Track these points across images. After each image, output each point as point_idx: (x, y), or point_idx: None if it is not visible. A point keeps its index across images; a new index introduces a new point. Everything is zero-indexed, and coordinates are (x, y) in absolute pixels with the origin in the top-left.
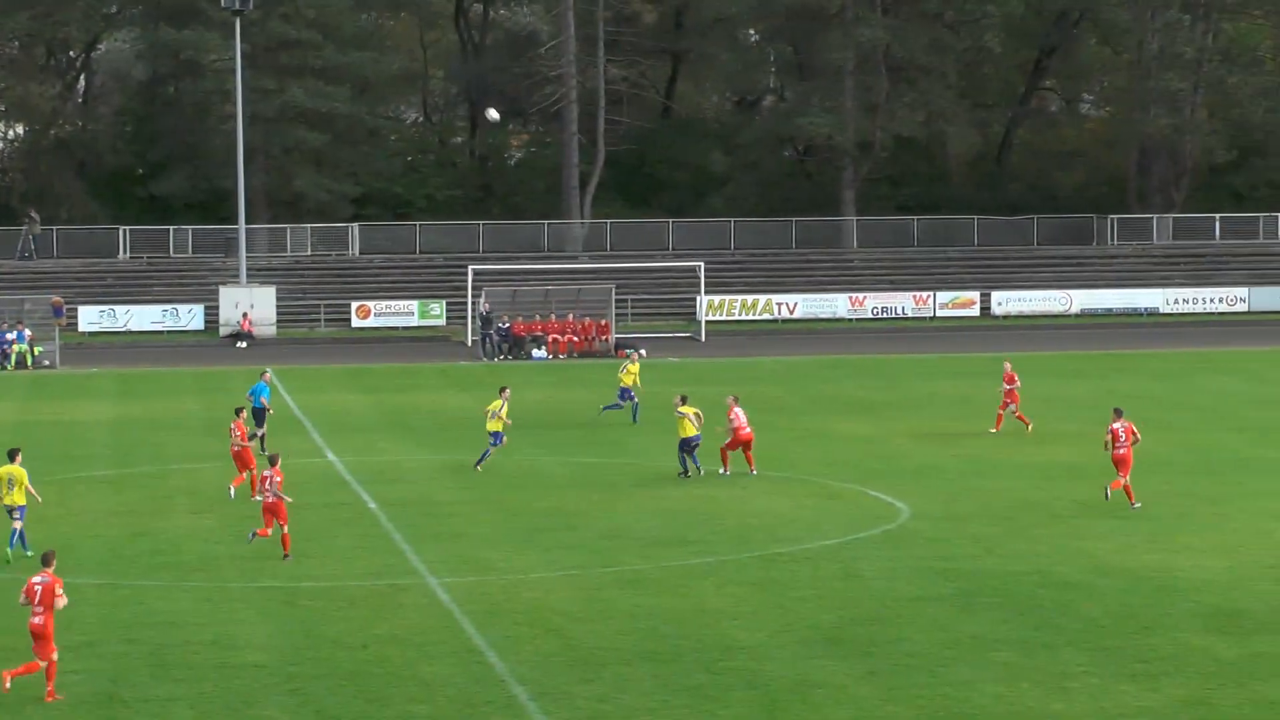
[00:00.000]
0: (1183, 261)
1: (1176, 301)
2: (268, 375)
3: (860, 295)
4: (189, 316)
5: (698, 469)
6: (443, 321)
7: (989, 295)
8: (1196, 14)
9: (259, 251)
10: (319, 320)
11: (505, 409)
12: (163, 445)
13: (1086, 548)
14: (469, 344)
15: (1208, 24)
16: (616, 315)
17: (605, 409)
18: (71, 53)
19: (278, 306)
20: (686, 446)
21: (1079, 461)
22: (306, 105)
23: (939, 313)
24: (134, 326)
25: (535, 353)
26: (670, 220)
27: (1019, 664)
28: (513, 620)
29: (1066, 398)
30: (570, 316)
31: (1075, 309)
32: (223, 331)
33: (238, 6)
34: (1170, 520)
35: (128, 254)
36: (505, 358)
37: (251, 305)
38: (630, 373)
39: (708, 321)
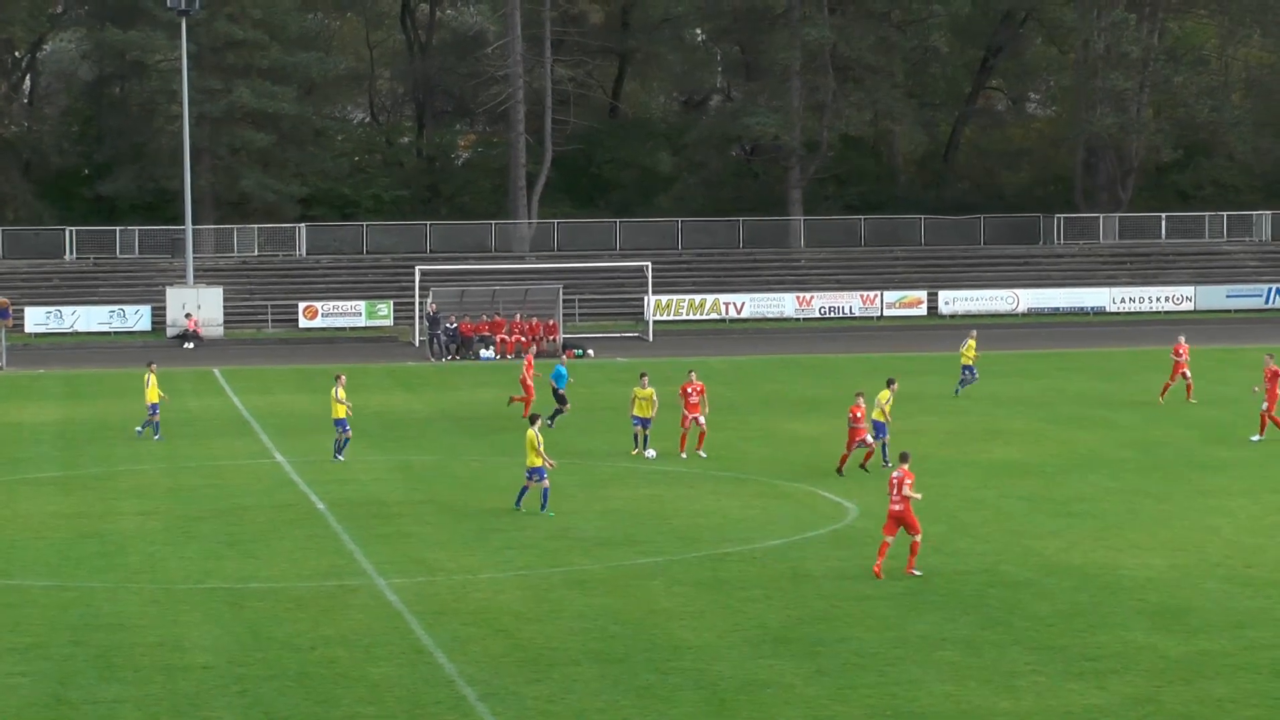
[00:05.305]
0: (1129, 260)
1: (1123, 300)
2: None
3: (807, 295)
4: (136, 317)
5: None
6: (390, 322)
7: (936, 295)
8: (1142, 13)
9: (205, 252)
10: (266, 321)
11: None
12: (109, 447)
13: (1033, 546)
14: (416, 344)
15: (1153, 23)
16: (564, 315)
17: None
18: (17, 53)
19: (225, 307)
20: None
21: (1026, 460)
22: (253, 105)
23: (886, 312)
24: (81, 327)
25: (483, 353)
26: (617, 220)
27: (966, 663)
28: (461, 621)
29: (1014, 397)
30: (518, 316)
31: (1022, 308)
32: (170, 332)
33: (183, 7)
34: (1117, 518)
35: (74, 255)
36: (453, 358)
37: (199, 306)
38: (970, 349)
39: (655, 321)
